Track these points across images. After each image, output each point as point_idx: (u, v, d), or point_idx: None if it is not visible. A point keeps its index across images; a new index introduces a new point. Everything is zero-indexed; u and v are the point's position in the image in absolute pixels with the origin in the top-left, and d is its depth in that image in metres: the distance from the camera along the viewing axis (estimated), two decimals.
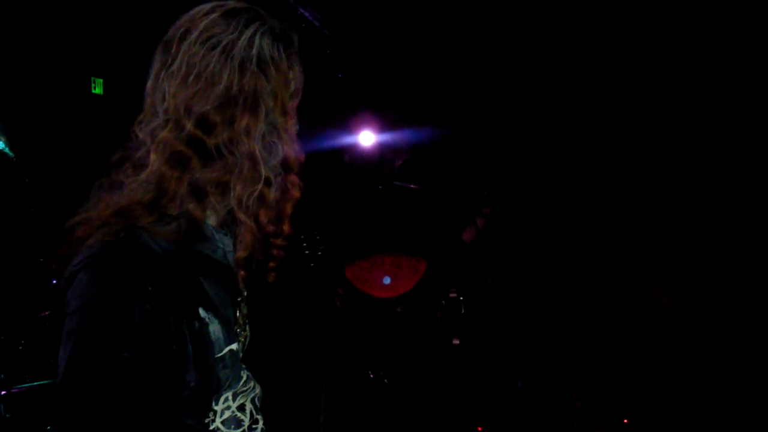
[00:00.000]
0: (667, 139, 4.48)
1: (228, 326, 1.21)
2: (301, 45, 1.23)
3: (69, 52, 4.17)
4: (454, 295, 3.58)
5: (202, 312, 1.14)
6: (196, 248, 1.17)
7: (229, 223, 1.26)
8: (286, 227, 1.23)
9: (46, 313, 3.30)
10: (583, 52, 4.71)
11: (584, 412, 3.37)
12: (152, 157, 1.13)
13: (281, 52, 1.17)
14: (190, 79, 1.12)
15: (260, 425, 1.31)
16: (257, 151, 1.14)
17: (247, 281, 1.30)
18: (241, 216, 1.16)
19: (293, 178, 1.22)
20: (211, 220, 1.22)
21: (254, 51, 1.13)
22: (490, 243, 4.01)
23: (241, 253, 1.18)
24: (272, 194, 1.17)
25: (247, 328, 1.35)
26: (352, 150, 4.20)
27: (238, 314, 1.29)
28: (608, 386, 3.90)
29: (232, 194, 1.15)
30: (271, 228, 1.21)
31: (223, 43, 1.12)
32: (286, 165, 1.20)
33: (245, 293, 1.34)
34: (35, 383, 3.19)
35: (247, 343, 1.34)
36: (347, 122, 4.12)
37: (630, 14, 4.48)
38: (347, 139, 4.08)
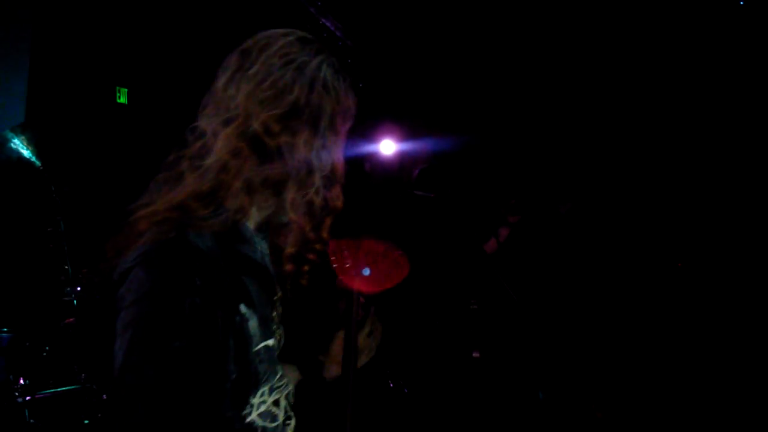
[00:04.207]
0: (692, 153, 4.44)
1: (265, 323, 1.29)
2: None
3: (94, 62, 4.23)
4: (475, 307, 3.54)
5: (242, 308, 1.22)
6: (237, 248, 1.25)
7: (264, 228, 1.34)
8: (325, 235, 1.31)
9: (70, 320, 3.34)
10: (606, 62, 4.68)
11: (605, 424, 3.33)
12: (217, 147, 1.24)
13: (340, 82, 1.32)
14: (265, 84, 1.24)
15: (293, 422, 1.37)
16: (314, 160, 1.26)
17: (281, 283, 1.37)
18: (292, 215, 1.26)
19: (337, 191, 1.32)
20: (252, 223, 1.30)
21: (322, 74, 1.28)
22: (511, 253, 3.98)
23: (289, 249, 1.27)
24: (318, 202, 1.27)
25: (281, 327, 1.41)
26: (373, 158, 4.20)
27: (274, 313, 1.36)
28: (629, 398, 3.85)
29: (285, 195, 1.26)
30: (311, 235, 1.29)
31: (298, 61, 1.27)
32: (332, 178, 1.30)
33: (280, 294, 1.41)
34: (59, 389, 3.23)
35: (282, 342, 1.41)
36: (368, 131, 4.12)
37: (656, 31, 4.47)
38: (368, 148, 4.08)
